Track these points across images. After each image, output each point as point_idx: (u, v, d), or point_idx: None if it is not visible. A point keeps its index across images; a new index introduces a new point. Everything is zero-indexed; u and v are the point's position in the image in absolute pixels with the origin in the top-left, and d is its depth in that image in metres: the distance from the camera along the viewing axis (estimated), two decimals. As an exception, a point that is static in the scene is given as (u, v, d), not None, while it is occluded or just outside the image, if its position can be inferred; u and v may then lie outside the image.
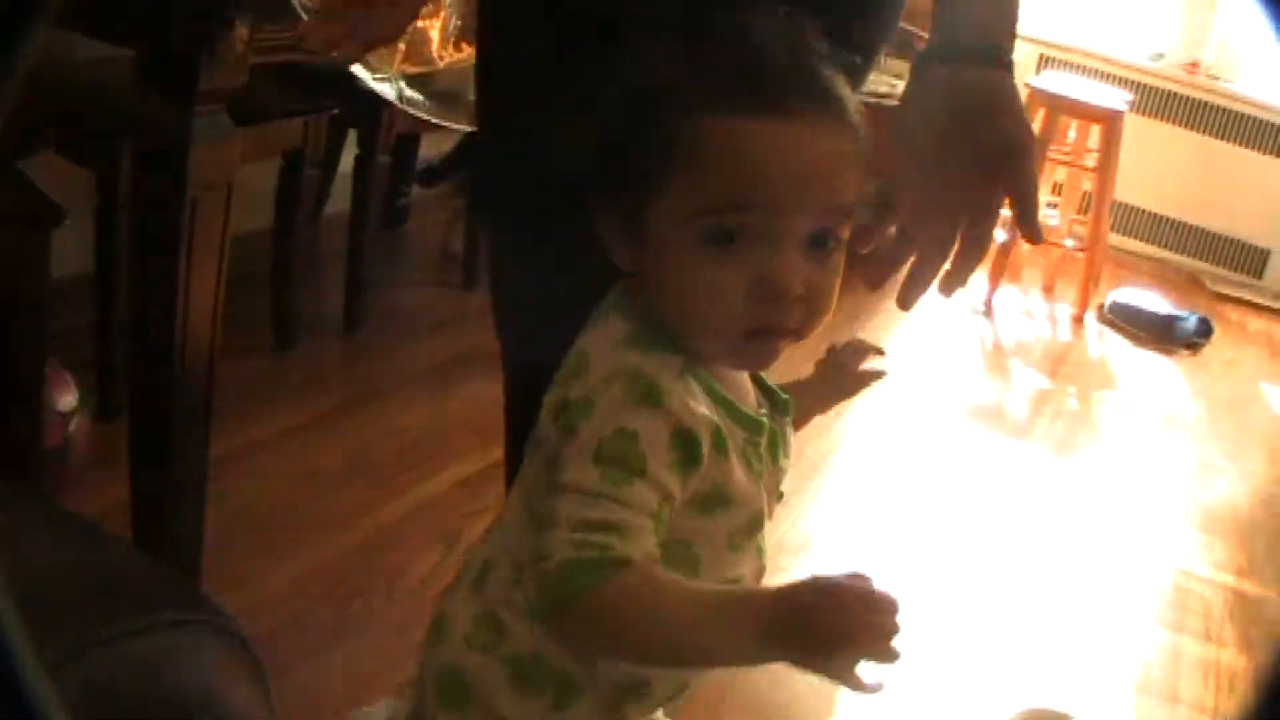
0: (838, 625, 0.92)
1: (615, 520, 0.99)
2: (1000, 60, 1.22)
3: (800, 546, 2.92)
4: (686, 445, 1.03)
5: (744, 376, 1.17)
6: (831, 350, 1.35)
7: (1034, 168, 1.25)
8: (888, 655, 0.92)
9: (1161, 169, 6.53)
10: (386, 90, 1.89)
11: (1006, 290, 5.26)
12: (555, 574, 0.99)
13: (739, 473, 1.10)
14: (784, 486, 1.21)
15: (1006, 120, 1.21)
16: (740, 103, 1.04)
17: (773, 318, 1.06)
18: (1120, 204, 6.34)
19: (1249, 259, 6.72)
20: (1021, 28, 1.27)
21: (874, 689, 0.94)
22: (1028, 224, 1.26)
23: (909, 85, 1.25)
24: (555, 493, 1.02)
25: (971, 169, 1.21)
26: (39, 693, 0.45)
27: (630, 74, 1.09)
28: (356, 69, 1.83)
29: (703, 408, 1.06)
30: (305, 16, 1.85)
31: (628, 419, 1.02)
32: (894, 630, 0.92)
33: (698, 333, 1.08)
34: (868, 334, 4.60)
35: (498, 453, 1.70)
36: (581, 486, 1.01)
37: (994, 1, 1.25)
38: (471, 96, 1.51)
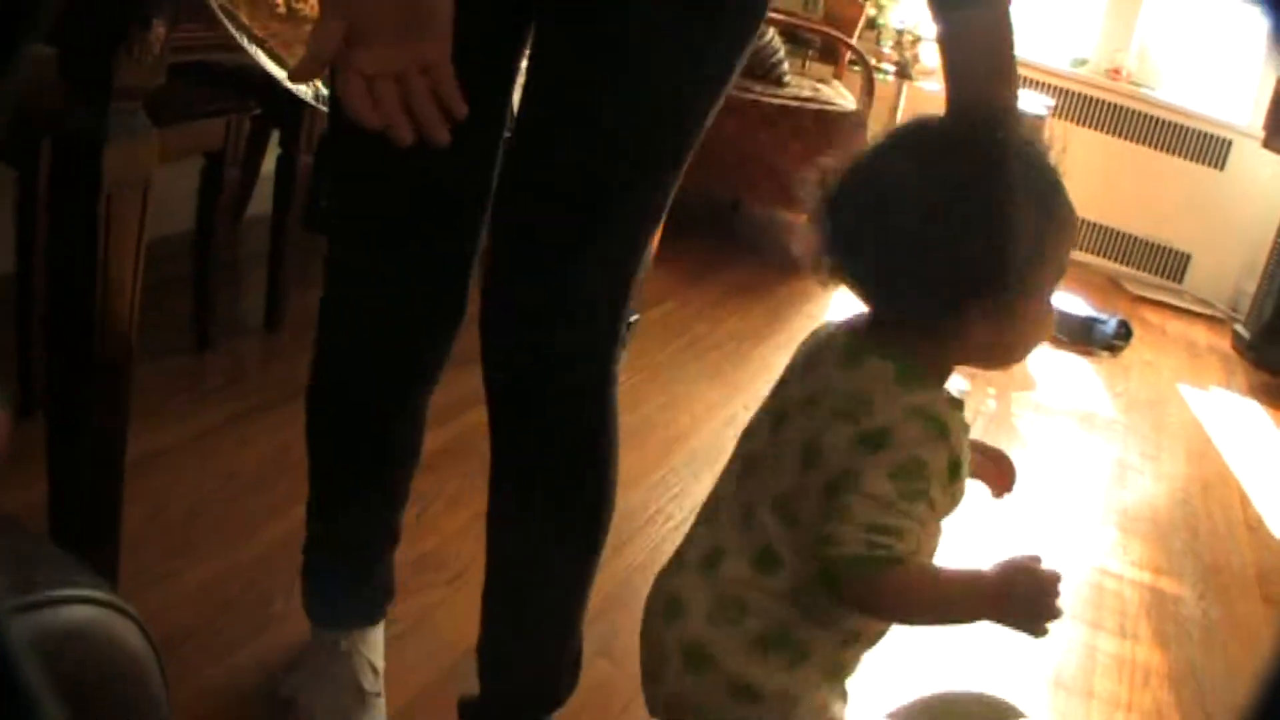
0: (1033, 605, 1.32)
1: (898, 527, 1.29)
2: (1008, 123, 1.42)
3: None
4: (955, 468, 1.36)
5: None
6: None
7: None
8: (1044, 633, 1.33)
9: (1083, 174, 6.56)
10: (303, 90, 1.89)
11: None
12: (847, 562, 1.30)
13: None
14: None
15: None
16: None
17: None
18: (1043, 208, 6.40)
19: (1170, 263, 6.82)
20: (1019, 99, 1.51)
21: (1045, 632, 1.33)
22: None
23: None
24: (849, 493, 1.30)
25: None
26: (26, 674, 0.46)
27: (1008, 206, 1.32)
28: (273, 68, 1.83)
29: (963, 433, 1.39)
30: (223, 17, 1.85)
31: (922, 450, 1.32)
32: (1058, 614, 1.32)
33: (1023, 354, 1.45)
34: (794, 331, 4.64)
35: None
36: (877, 495, 1.29)
37: (993, 69, 1.45)
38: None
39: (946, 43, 1.47)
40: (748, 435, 1.52)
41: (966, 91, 1.44)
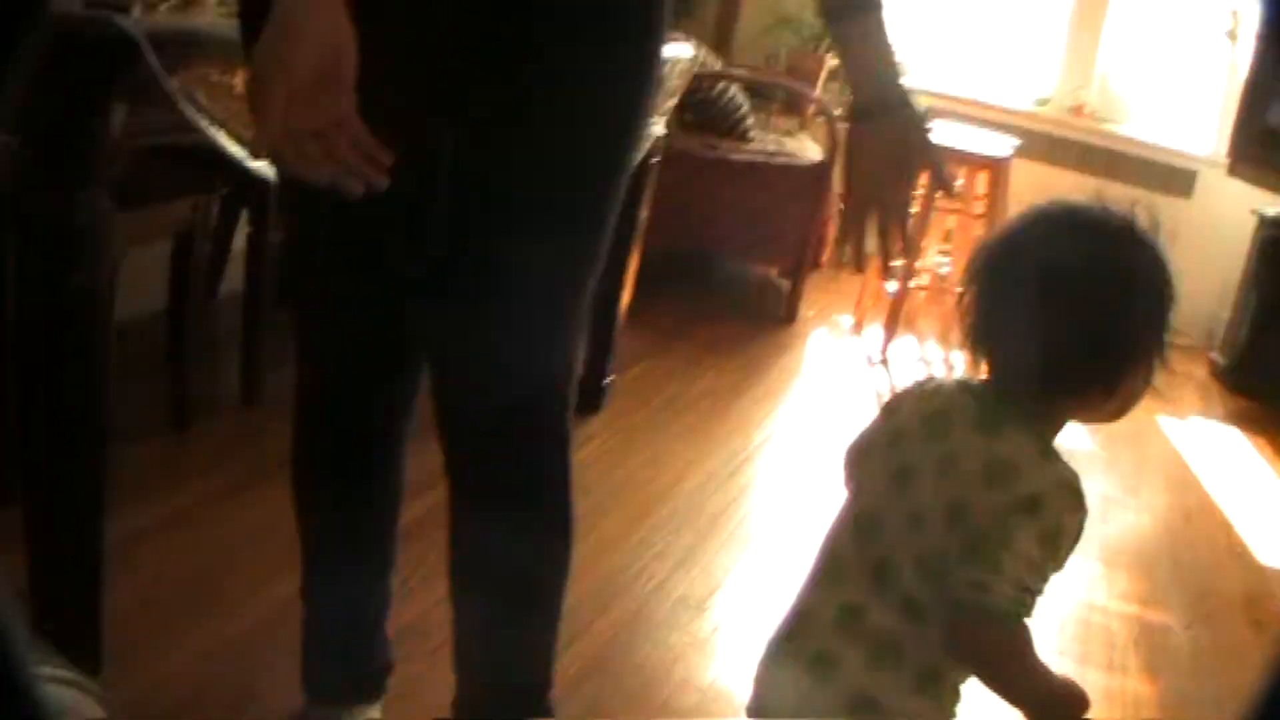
0: None
1: (1036, 591, 1.43)
2: (908, 100, 1.62)
3: (702, 601, 2.94)
4: (1079, 535, 1.47)
5: None
6: None
7: (939, 151, 1.77)
8: None
9: (1052, 211, 6.62)
10: (265, 168, 1.90)
11: (903, 340, 5.32)
12: (999, 612, 1.42)
13: None
14: None
15: (920, 138, 1.65)
16: None
17: None
18: (1013, 248, 6.42)
19: (1142, 295, 6.83)
20: (910, 81, 1.66)
21: None
22: (942, 181, 1.92)
23: (854, 133, 1.66)
24: (1000, 549, 1.42)
25: (899, 171, 1.65)
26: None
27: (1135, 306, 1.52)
28: (233, 148, 1.85)
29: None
30: (182, 102, 1.86)
31: (1066, 520, 1.45)
32: None
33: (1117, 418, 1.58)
34: (770, 384, 4.65)
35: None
36: (1028, 556, 1.42)
37: (887, 60, 1.62)
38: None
39: (840, 45, 1.68)
40: (861, 494, 1.64)
41: (864, 77, 1.64)
